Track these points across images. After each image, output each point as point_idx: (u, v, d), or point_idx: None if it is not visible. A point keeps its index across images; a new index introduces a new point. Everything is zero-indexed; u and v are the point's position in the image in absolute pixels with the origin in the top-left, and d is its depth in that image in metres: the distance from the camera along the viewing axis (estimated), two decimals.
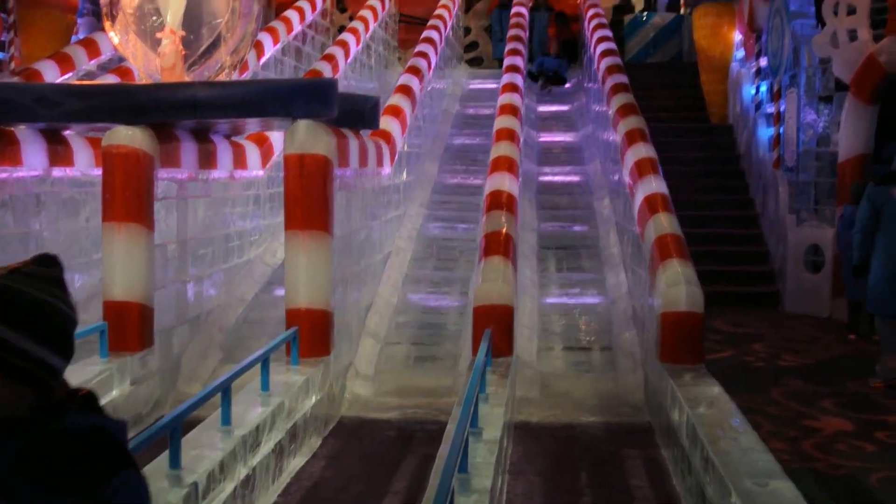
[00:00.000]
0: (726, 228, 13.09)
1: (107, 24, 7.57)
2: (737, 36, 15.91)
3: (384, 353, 8.16)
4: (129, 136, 6.66)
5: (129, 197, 6.68)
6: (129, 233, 6.67)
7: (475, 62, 20.60)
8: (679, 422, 5.54)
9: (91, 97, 6.92)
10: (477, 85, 17.50)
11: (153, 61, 7.38)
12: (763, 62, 13.79)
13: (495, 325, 6.70)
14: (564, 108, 16.46)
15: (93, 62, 12.05)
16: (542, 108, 16.32)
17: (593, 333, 8.64)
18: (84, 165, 7.86)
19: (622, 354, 8.03)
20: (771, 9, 13.33)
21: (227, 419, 5.00)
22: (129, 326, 6.67)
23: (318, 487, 5.50)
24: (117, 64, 11.48)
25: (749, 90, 14.68)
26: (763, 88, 13.80)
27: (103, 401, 6.02)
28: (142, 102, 6.76)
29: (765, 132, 13.44)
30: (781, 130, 12.53)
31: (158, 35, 7.29)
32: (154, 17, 7.38)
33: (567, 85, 17.45)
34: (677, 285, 6.58)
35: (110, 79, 10.62)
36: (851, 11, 11.22)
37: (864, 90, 11.02)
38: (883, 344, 8.09)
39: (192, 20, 7.37)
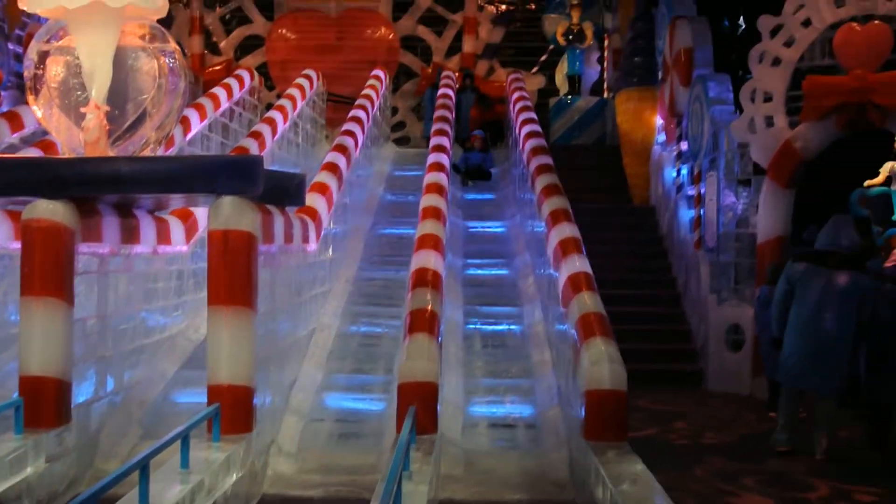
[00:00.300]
0: (649, 307, 13.25)
1: (30, 97, 7.50)
2: (658, 120, 16.29)
3: (308, 430, 8.06)
4: (49, 210, 6.57)
5: (48, 271, 6.57)
6: (48, 307, 6.55)
7: (402, 141, 20.78)
8: (603, 499, 5.55)
9: (12, 170, 6.83)
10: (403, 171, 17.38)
11: (77, 136, 7.30)
12: (684, 146, 14.12)
13: (420, 402, 6.67)
14: (491, 196, 16.43)
15: (15, 135, 11.93)
16: (469, 197, 16.27)
17: (518, 412, 8.62)
18: (3, 238, 7.73)
19: (547, 432, 8.02)
20: (691, 95, 13.70)
21: (144, 498, 4.87)
22: (46, 402, 6.51)
23: None
24: (41, 137, 11.36)
25: (670, 173, 14.99)
26: (684, 171, 14.11)
27: (17, 478, 5.88)
28: (64, 176, 6.69)
29: (686, 214, 13.71)
30: (702, 212, 12.80)
31: (83, 110, 7.23)
32: (78, 92, 7.32)
33: (493, 169, 17.21)
34: (600, 363, 6.63)
35: (33, 152, 10.50)
36: (768, 99, 11.59)
37: (781, 174, 11.32)
38: (780, 415, 8.47)
39: (118, 95, 7.32)
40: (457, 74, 19.82)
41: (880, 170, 13.02)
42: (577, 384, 6.94)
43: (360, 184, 14.43)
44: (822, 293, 8.14)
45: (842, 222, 8.42)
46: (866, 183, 13.14)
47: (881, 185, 13.05)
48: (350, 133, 13.23)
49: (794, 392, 8.46)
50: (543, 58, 22.14)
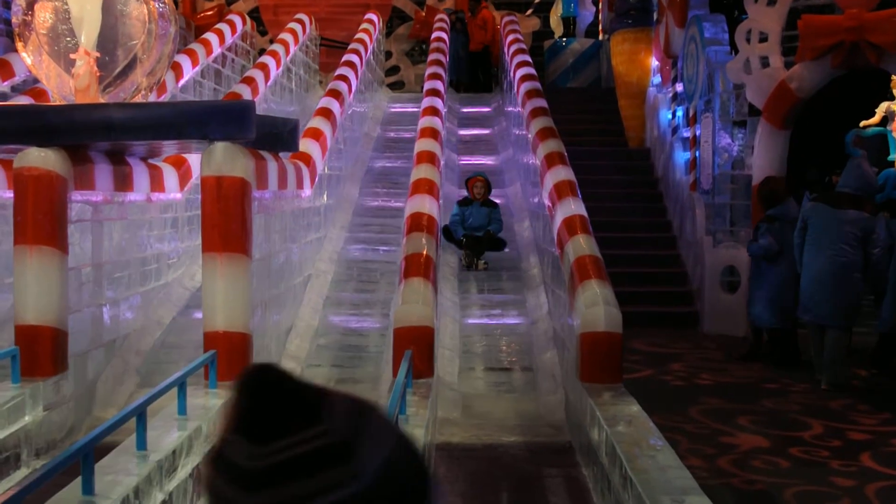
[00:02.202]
0: (645, 250, 13.24)
1: (19, 44, 7.43)
2: (653, 62, 16.17)
3: (305, 375, 8.08)
4: (41, 158, 6.55)
5: (41, 220, 6.56)
6: (42, 256, 6.55)
7: (397, 86, 20.65)
8: (598, 440, 5.58)
9: (3, 118, 6.78)
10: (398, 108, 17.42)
11: (67, 82, 7.26)
12: (679, 87, 14.03)
13: (416, 347, 6.69)
14: (486, 131, 16.53)
15: (6, 84, 11.83)
16: (463, 132, 16.36)
17: (514, 354, 8.67)
18: None
19: (543, 375, 8.07)
20: (686, 36, 13.58)
21: (142, 444, 4.91)
22: (42, 351, 6.54)
23: None
24: (31, 85, 11.27)
25: (665, 115, 14.92)
26: (679, 113, 14.03)
27: (15, 427, 5.91)
28: (55, 124, 6.65)
29: (681, 156, 13.65)
30: (697, 154, 12.74)
31: (72, 56, 7.17)
32: (68, 38, 7.27)
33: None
34: (596, 306, 6.64)
35: (24, 100, 10.43)
36: (763, 39, 11.49)
37: (777, 115, 11.26)
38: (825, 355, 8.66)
39: (107, 41, 7.27)
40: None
41: (876, 110, 13.00)
42: (572, 326, 6.96)
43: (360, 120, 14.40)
44: (829, 229, 8.53)
45: (853, 165, 8.93)
46: (862, 123, 13.13)
47: (877, 125, 13.03)
48: (343, 78, 13.15)
49: (816, 328, 8.71)
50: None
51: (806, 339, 9.19)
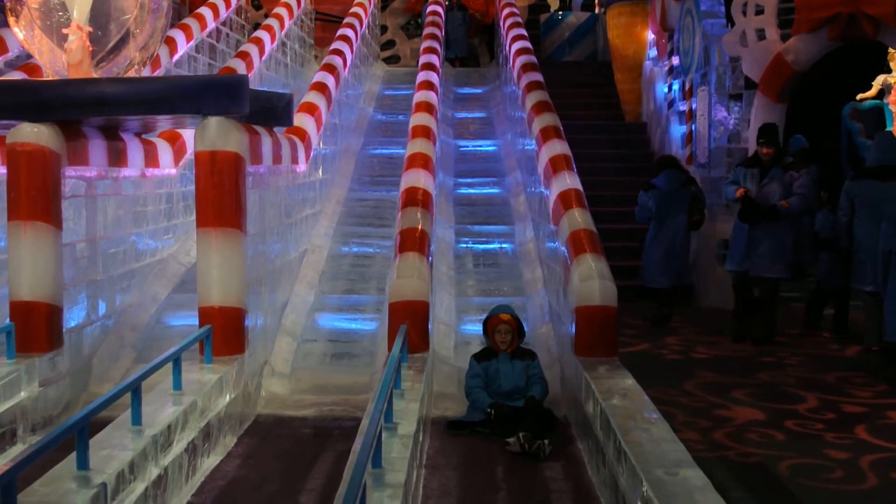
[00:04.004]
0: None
1: (11, 19, 7.39)
2: (649, 35, 16.13)
3: (300, 351, 8.11)
4: (34, 134, 6.52)
5: (35, 195, 6.53)
6: (36, 231, 6.53)
7: (392, 60, 20.58)
8: (593, 414, 5.59)
9: None
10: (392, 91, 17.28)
11: (60, 57, 7.22)
12: (675, 61, 13.99)
13: (411, 321, 6.70)
14: (482, 114, 16.36)
15: (0, 59, 11.78)
16: (460, 116, 16.21)
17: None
18: None
19: (539, 349, 8.06)
20: (682, 8, 13.53)
21: (137, 419, 4.92)
22: (37, 327, 6.53)
23: (233, 486, 5.43)
24: (25, 61, 11.22)
25: (662, 88, 14.89)
26: (675, 87, 14.01)
27: (11, 403, 5.91)
28: (47, 99, 6.61)
29: (677, 129, 13.64)
30: (693, 128, 12.73)
31: (65, 31, 7.13)
32: (60, 13, 7.21)
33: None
34: (591, 280, 6.63)
35: (17, 76, 10.38)
36: (760, 11, 11.45)
37: (773, 88, 11.24)
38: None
39: (100, 16, 7.22)
40: None
41: (873, 83, 12.96)
42: (567, 301, 6.96)
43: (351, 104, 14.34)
44: (876, 202, 8.42)
45: (884, 138, 8.91)
46: (859, 96, 13.09)
47: (873, 98, 13.00)
48: (339, 52, 13.09)
49: (876, 299, 8.54)
50: None
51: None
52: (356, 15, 15.91)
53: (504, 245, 10.74)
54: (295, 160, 8.73)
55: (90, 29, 7.12)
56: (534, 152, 9.86)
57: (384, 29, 20.85)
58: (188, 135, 8.98)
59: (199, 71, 13.61)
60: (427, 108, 11.31)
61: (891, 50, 12.03)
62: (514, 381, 6.68)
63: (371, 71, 17.60)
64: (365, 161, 13.44)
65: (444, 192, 11.56)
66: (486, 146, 14.44)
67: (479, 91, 17.55)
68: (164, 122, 7.69)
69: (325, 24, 19.17)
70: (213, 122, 6.54)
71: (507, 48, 14.35)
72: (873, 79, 12.96)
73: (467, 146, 14.41)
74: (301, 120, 9.54)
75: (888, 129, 12.52)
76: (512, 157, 13.17)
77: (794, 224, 9.53)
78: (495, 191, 12.56)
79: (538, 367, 6.86)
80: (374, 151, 13.86)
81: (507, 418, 6.27)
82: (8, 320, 6.53)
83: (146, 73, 8.04)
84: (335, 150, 12.33)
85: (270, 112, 7.41)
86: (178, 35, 12.74)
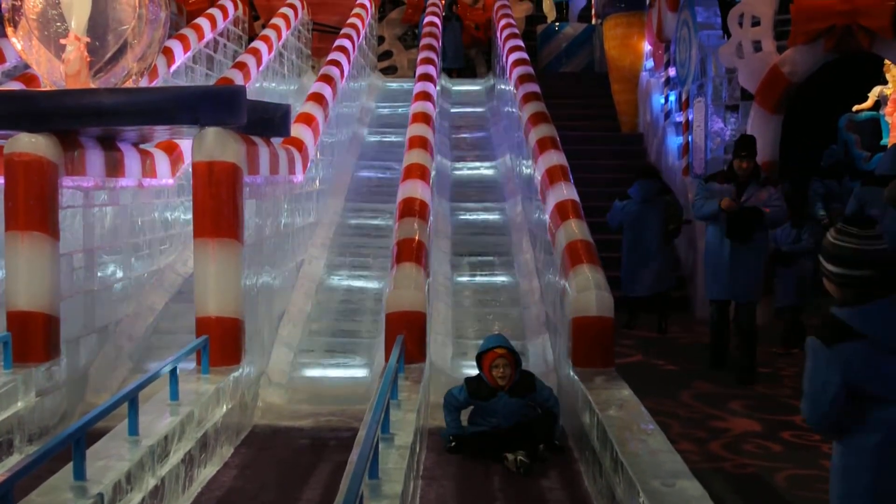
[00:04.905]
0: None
1: (9, 29, 7.40)
2: (646, 46, 16.15)
3: (297, 361, 8.10)
4: (31, 144, 6.53)
5: (32, 205, 6.54)
6: (33, 241, 6.53)
7: (389, 71, 20.60)
8: (590, 424, 5.59)
9: None
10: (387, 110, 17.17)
11: (57, 68, 7.23)
12: (672, 72, 14.02)
13: (408, 332, 6.70)
14: (481, 134, 16.27)
15: None
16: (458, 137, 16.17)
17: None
18: None
19: (536, 360, 8.07)
20: (678, 20, 13.57)
21: (134, 429, 4.91)
22: (34, 337, 6.53)
23: (230, 497, 5.43)
24: (23, 71, 11.23)
25: (658, 99, 14.91)
26: (672, 98, 14.03)
27: (7, 413, 5.91)
28: (45, 109, 6.63)
29: (674, 140, 13.66)
30: (690, 139, 12.75)
31: (63, 41, 7.14)
32: (58, 24, 7.23)
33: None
34: (587, 290, 6.64)
35: (15, 86, 10.38)
36: (756, 23, 11.48)
37: (769, 99, 11.26)
38: None
39: (98, 26, 7.24)
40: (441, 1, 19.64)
41: (869, 94, 13.00)
42: (564, 311, 6.97)
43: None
44: (885, 209, 8.32)
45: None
46: (855, 108, 13.13)
47: (869, 109, 13.03)
48: (336, 63, 13.11)
49: None
50: None
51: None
52: (353, 25, 15.93)
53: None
54: (292, 171, 8.74)
55: (88, 39, 7.13)
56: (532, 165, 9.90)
57: (381, 39, 20.88)
58: (185, 145, 8.99)
59: (196, 81, 13.62)
60: (424, 118, 11.34)
61: (886, 61, 12.07)
62: (516, 419, 6.23)
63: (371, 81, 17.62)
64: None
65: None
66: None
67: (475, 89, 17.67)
68: (161, 132, 7.70)
69: (323, 34, 19.20)
70: (211, 132, 6.55)
71: (504, 59, 14.38)
72: (869, 90, 13.00)
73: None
74: (298, 130, 9.55)
75: (884, 140, 12.56)
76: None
77: (766, 240, 9.08)
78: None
79: (542, 393, 6.42)
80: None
81: (500, 439, 6.06)
82: (5, 330, 6.53)
83: (144, 83, 8.05)
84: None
85: (268, 122, 7.43)
86: (175, 46, 12.75)
